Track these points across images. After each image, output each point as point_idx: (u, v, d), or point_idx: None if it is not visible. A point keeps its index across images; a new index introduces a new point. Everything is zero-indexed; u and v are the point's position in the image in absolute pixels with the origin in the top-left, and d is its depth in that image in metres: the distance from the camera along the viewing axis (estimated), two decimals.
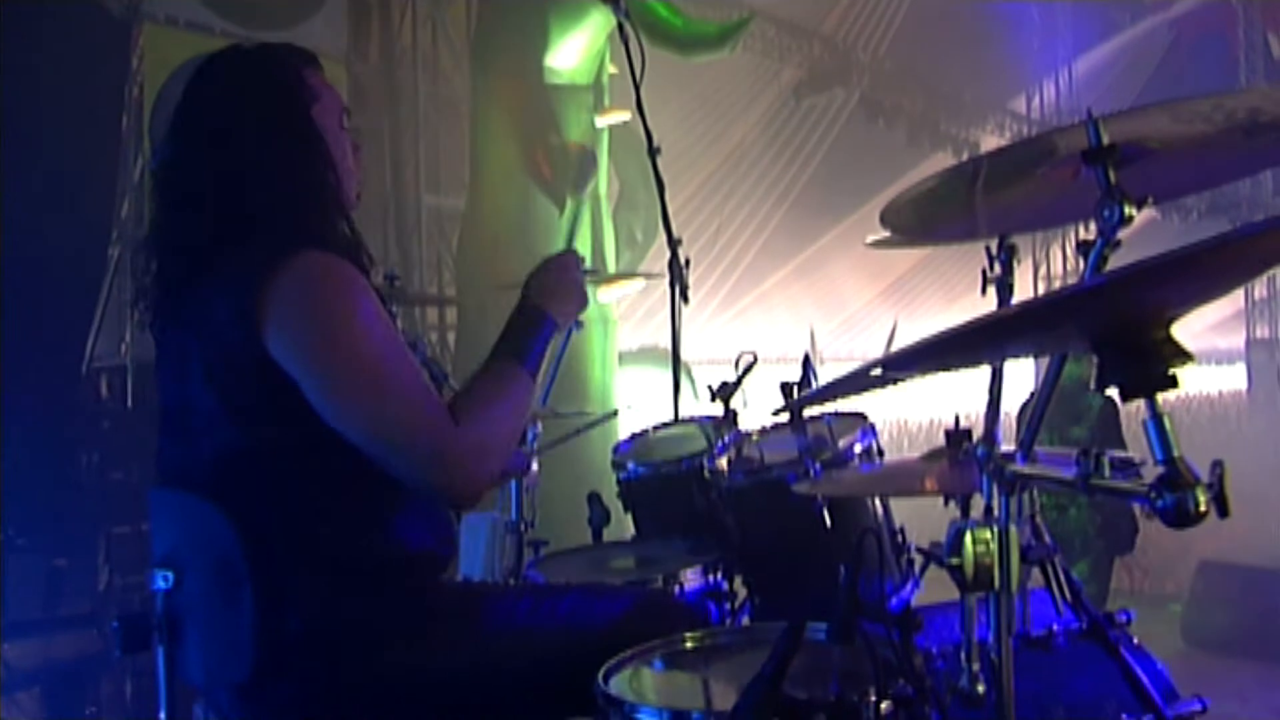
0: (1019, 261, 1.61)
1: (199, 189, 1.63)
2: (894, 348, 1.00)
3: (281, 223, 1.61)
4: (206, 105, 1.68)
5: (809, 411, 2.26)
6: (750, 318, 10.19)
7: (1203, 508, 0.86)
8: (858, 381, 1.09)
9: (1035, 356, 1.28)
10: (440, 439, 1.54)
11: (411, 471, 1.54)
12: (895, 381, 1.03)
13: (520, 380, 1.72)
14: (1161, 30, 13.08)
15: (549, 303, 1.81)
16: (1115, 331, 0.84)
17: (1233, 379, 13.05)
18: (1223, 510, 0.86)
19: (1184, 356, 0.85)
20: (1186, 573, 5.60)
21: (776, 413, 2.09)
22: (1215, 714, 1.82)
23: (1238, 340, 12.89)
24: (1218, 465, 0.87)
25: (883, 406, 2.35)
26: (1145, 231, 1.27)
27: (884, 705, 1.25)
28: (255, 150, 1.63)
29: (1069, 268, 12.17)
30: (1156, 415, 0.87)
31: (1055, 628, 1.79)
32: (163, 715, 1.78)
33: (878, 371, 0.95)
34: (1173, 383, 0.86)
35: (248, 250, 1.57)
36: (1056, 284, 12.04)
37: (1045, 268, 12.07)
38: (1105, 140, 1.21)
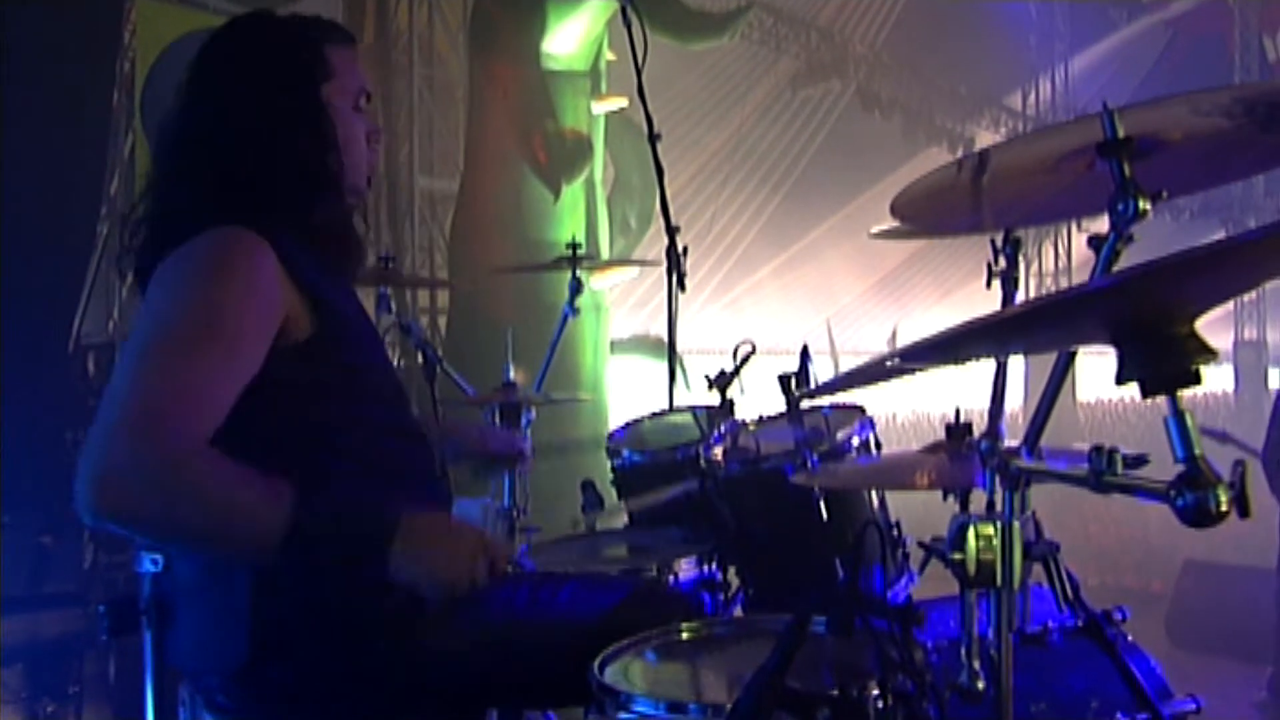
0: (1024, 255, 1.60)
1: (190, 155, 1.61)
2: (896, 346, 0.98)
3: (247, 198, 1.55)
4: (214, 69, 1.65)
5: (803, 403, 2.25)
6: (742, 307, 10.20)
7: (1224, 507, 0.85)
8: (870, 373, 1.07)
9: (1054, 350, 1.26)
10: (148, 434, 1.32)
11: (93, 437, 1.34)
12: (910, 373, 1.02)
13: (268, 512, 1.35)
14: (1158, 30, 13.11)
15: (409, 551, 1.40)
16: (1139, 326, 0.83)
17: (1220, 380, 13.11)
18: (1243, 510, 0.84)
19: (1208, 353, 0.84)
20: (1172, 571, 5.63)
21: (790, 399, 2.07)
22: (1202, 713, 1.82)
23: (1225, 341, 12.95)
24: (1239, 464, 0.85)
25: (872, 401, 2.34)
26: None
27: (888, 699, 1.24)
28: (249, 120, 1.59)
29: (1060, 265, 12.21)
30: (1178, 412, 0.85)
31: (1051, 624, 1.78)
32: (149, 696, 1.77)
33: (894, 362, 0.94)
34: (1196, 379, 0.84)
35: (200, 222, 1.53)
36: (1049, 280, 12.08)
37: (1038, 264, 12.10)
38: (1120, 133, 1.20)
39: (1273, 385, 12.68)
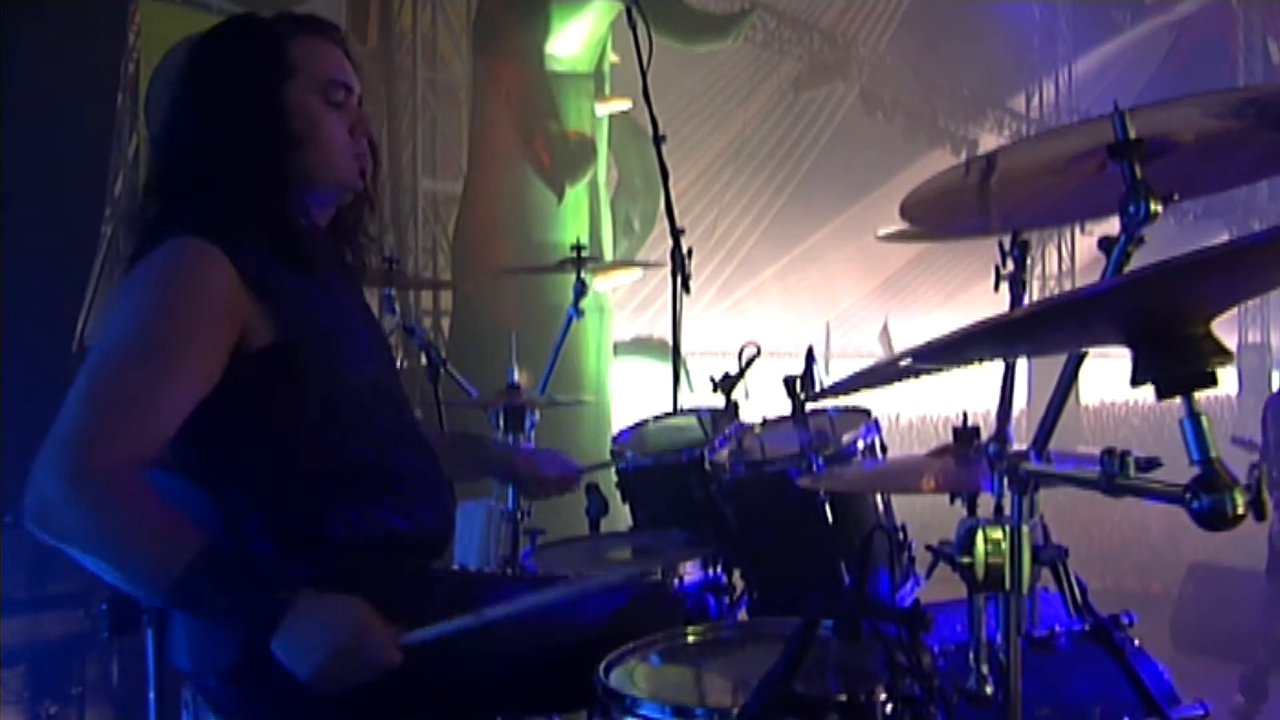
0: (1031, 258, 1.60)
1: (163, 165, 1.63)
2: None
3: (206, 207, 1.55)
4: (183, 80, 1.65)
5: (808, 405, 2.23)
6: (745, 310, 10.19)
7: (1240, 510, 0.84)
8: (878, 375, 1.06)
9: (1065, 352, 1.26)
10: (77, 450, 1.39)
11: (46, 450, 1.41)
12: (917, 375, 1.01)
13: (165, 557, 1.37)
14: (1162, 33, 13.11)
15: (292, 638, 1.40)
16: (1153, 327, 0.82)
17: (1224, 383, 13.09)
18: (1260, 513, 0.83)
19: (1223, 354, 0.82)
20: (1173, 573, 5.62)
21: (798, 402, 2.06)
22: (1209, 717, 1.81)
23: (1229, 344, 12.90)
24: (1255, 467, 0.84)
25: (876, 403, 2.33)
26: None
27: (898, 704, 1.23)
28: (208, 130, 1.58)
29: (1064, 268, 12.19)
30: (1194, 414, 0.84)
31: (1058, 628, 1.77)
32: (152, 697, 1.76)
33: (906, 363, 0.93)
34: (1211, 381, 0.83)
35: (160, 233, 1.54)
36: (1053, 284, 12.07)
37: (1042, 267, 12.08)
38: (1132, 134, 1.19)
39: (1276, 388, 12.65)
